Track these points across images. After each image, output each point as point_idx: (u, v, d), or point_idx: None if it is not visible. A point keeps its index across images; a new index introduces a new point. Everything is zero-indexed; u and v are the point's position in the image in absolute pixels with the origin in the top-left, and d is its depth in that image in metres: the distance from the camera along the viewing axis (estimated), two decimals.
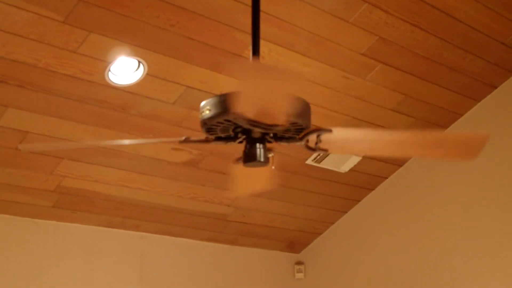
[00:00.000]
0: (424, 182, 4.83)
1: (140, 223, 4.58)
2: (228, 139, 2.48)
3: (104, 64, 3.35)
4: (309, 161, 4.50)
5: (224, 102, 2.33)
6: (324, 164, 4.55)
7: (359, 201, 5.14)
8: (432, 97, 4.33)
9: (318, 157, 4.45)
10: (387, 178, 4.99)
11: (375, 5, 3.51)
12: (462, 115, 4.58)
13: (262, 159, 2.47)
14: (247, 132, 2.45)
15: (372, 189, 5.06)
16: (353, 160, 4.62)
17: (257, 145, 2.46)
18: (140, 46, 3.35)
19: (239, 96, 2.32)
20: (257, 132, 2.43)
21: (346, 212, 5.21)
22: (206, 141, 2.51)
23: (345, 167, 4.66)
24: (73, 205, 4.22)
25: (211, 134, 2.48)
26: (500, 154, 4.44)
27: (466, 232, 4.54)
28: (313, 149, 2.57)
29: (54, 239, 4.28)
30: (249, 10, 2.63)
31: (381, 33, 3.71)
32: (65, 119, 3.61)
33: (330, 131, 2.48)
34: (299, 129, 2.44)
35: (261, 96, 2.11)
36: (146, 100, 3.65)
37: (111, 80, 3.46)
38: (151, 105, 3.69)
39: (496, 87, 4.48)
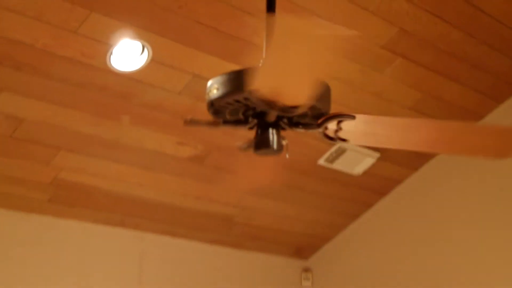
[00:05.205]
0: (440, 187, 4.68)
1: (140, 222, 4.44)
2: (238, 122, 2.27)
3: (106, 46, 3.19)
4: (321, 161, 4.31)
5: (234, 80, 2.12)
6: (336, 165, 4.36)
7: (371, 205, 4.99)
8: (453, 96, 4.15)
9: (331, 157, 4.26)
10: (401, 182, 4.84)
11: None
12: (483, 116, 4.39)
13: (275, 146, 2.26)
14: (259, 116, 2.24)
15: (386, 194, 4.91)
16: (367, 162, 4.43)
17: (270, 130, 2.25)
18: (145, 29, 3.19)
19: (253, 73, 2.08)
20: (271, 115, 2.21)
21: (357, 216, 5.06)
22: (214, 124, 2.29)
23: (358, 169, 4.46)
24: (70, 199, 4.06)
25: (219, 118, 2.27)
26: None
27: (485, 241, 4.39)
28: (332, 138, 2.38)
29: (49, 235, 4.15)
30: None
31: (402, 24, 3.52)
32: (62, 106, 3.45)
33: (353, 117, 2.27)
34: (318, 114, 2.24)
35: (282, 69, 1.87)
36: (150, 89, 3.49)
37: (113, 65, 3.29)
38: (155, 94, 3.54)
39: None
